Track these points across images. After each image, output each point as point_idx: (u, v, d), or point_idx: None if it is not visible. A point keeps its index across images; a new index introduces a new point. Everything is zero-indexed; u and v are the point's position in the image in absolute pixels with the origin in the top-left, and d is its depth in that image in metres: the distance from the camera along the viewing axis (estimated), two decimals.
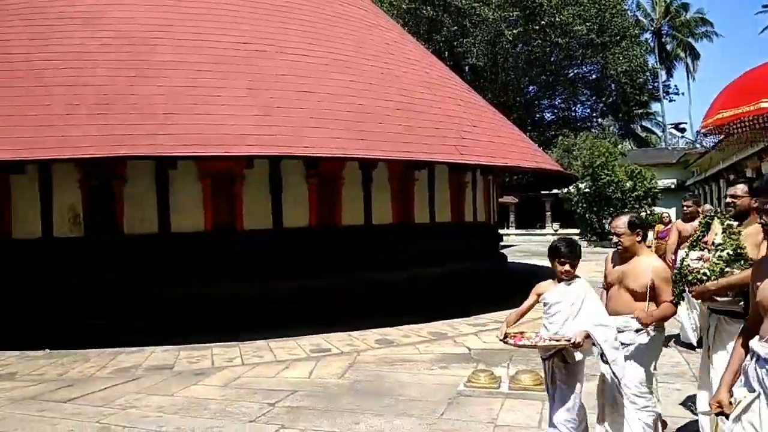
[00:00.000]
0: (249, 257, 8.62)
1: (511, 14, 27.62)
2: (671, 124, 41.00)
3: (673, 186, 31.90)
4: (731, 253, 3.27)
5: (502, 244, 15.99)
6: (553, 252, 3.45)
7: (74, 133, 7.20)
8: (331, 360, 6.61)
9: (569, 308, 3.35)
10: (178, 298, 8.08)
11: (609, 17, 29.74)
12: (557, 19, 27.48)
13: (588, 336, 3.25)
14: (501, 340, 3.46)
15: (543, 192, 30.39)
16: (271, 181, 9.08)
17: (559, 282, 3.48)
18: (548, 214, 32.90)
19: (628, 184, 26.57)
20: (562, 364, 3.44)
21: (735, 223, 3.46)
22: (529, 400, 4.92)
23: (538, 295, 3.52)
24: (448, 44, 30.05)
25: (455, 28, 28.45)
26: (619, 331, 3.48)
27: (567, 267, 3.43)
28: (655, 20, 46.73)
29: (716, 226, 3.49)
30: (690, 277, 3.36)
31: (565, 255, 3.42)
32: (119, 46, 8.45)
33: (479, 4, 27.12)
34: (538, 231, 32.25)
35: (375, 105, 9.06)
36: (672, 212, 19.70)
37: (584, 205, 27.56)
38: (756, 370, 2.14)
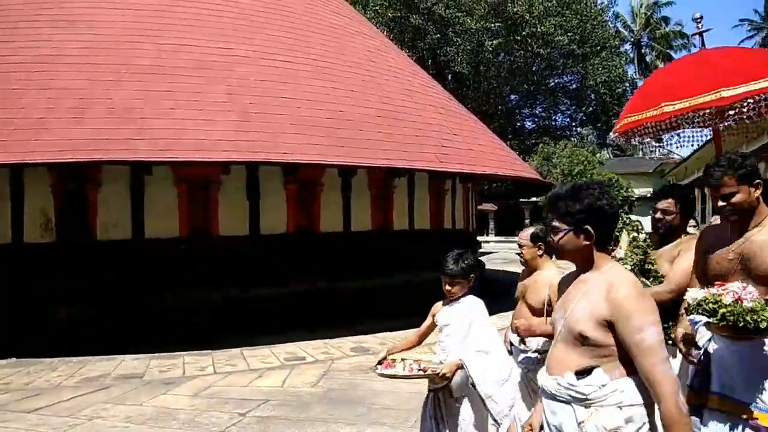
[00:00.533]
0: (225, 263, 8.54)
1: (493, 24, 27.84)
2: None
3: (649, 195, 32.35)
4: (630, 269, 2.97)
5: (481, 251, 16.07)
6: (440, 266, 3.03)
7: (48, 136, 7.08)
8: (306, 368, 6.56)
9: (457, 331, 3.01)
10: (150, 305, 7.98)
11: (590, 28, 30.14)
12: (539, 29, 27.76)
13: (461, 367, 2.87)
14: (372, 368, 3.11)
15: (522, 200, 30.67)
16: (248, 186, 9.01)
17: (446, 303, 3.12)
18: (527, 221, 33.17)
19: None
20: (450, 399, 3.02)
21: (642, 236, 3.18)
22: None
23: (434, 316, 3.16)
24: (432, 52, 30.19)
25: (438, 36, 28.61)
26: (522, 352, 3.26)
27: (447, 286, 3.02)
28: (635, 32, 47.53)
29: (623, 239, 3.24)
30: None
31: (446, 271, 3.00)
32: (98, 50, 8.34)
33: (462, 14, 27.31)
34: (516, 238, 32.49)
35: (355, 112, 9.06)
36: (647, 221, 19.98)
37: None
38: (543, 402, 1.97)
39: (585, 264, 1.94)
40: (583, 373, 1.83)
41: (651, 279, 2.99)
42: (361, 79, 9.99)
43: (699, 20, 4.04)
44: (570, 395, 1.84)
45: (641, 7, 47.33)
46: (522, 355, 3.31)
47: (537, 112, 36.26)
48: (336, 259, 9.31)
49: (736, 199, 2.33)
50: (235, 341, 7.63)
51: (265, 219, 9.12)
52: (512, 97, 34.57)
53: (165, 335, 7.58)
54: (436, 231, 11.53)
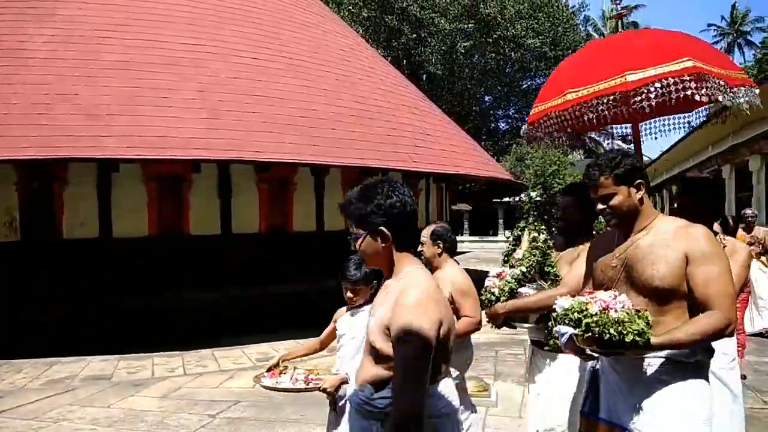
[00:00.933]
0: (196, 263, 8.43)
1: (466, 26, 28.04)
2: (618, 136, 42.35)
3: None
4: (525, 270, 2.84)
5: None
6: (340, 272, 2.90)
7: (12, 133, 6.89)
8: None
9: (351, 342, 2.85)
10: (119, 306, 7.83)
11: (562, 31, 30.58)
12: (510, 32, 28.06)
13: (346, 382, 2.70)
14: (255, 377, 2.95)
15: (496, 200, 30.95)
16: (220, 185, 8.93)
17: (349, 309, 2.97)
18: (501, 221, 33.49)
19: None
20: (332, 412, 2.86)
21: (542, 237, 2.97)
22: None
23: (336, 322, 3.03)
24: (407, 52, 30.29)
25: (414, 36, 28.70)
26: None
27: (349, 294, 2.89)
28: (605, 35, 48.35)
29: (525, 240, 3.02)
30: (483, 297, 2.91)
31: (348, 278, 2.87)
32: (64, 45, 8.16)
33: (436, 15, 27.44)
34: (491, 238, 32.78)
35: (329, 111, 9.03)
36: None
37: (535, 213, 28.19)
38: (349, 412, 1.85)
39: (389, 269, 1.83)
40: (380, 384, 1.73)
41: (549, 282, 2.83)
42: (334, 78, 9.97)
43: (618, 1, 3.69)
44: (367, 409, 1.75)
45: (612, 11, 48.14)
46: None
47: (510, 113, 36.63)
48: (309, 259, 9.27)
49: (614, 201, 2.12)
50: (206, 342, 7.53)
51: (237, 218, 9.04)
52: (486, 98, 34.88)
53: (133, 336, 7.45)
54: None
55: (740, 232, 7.07)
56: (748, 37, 46.85)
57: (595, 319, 1.89)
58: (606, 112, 2.94)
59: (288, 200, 9.57)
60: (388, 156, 9.01)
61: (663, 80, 2.82)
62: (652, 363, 2.04)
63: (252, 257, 8.79)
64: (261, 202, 9.29)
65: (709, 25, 48.11)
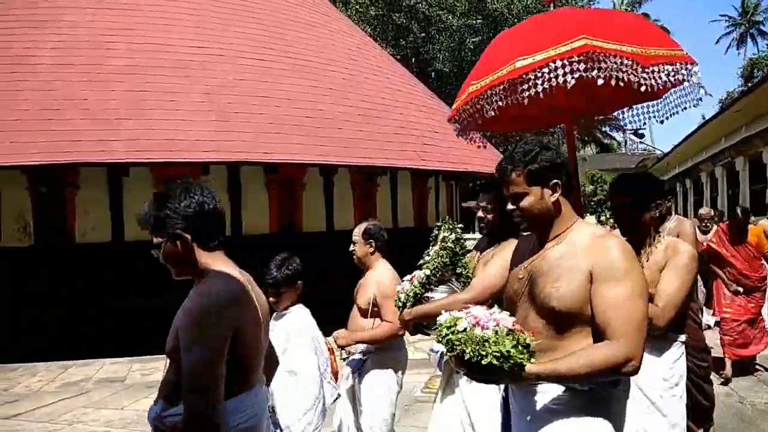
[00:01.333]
0: None
1: (474, 22, 27.96)
2: (630, 130, 42.03)
3: None
4: (429, 274, 2.62)
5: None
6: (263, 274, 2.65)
7: (21, 139, 6.97)
8: None
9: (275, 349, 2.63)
10: (131, 309, 7.89)
11: None
12: None
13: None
14: None
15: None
16: (229, 187, 8.96)
17: (275, 314, 2.75)
18: None
19: (589, 188, 27.24)
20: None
21: (452, 236, 2.74)
22: None
23: None
24: (415, 50, 30.26)
25: (423, 34, 28.68)
26: (345, 358, 3.09)
27: (271, 297, 2.67)
28: None
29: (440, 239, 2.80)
30: (396, 303, 2.74)
31: (268, 281, 2.73)
32: (71, 50, 8.23)
33: (444, 12, 27.39)
34: None
35: (336, 110, 9.04)
36: None
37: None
38: None
39: (196, 272, 1.75)
40: (174, 398, 1.59)
41: (461, 285, 2.63)
42: (341, 78, 9.98)
43: None
44: (157, 426, 1.62)
45: (622, 4, 47.81)
46: (349, 358, 3.17)
47: None
48: (320, 259, 9.27)
49: (524, 203, 1.81)
50: None
51: (247, 219, 9.07)
52: None
53: (147, 338, 7.48)
54: (419, 228, 11.55)
55: (767, 222, 6.90)
56: (761, 27, 46.28)
57: (459, 336, 1.63)
58: (499, 103, 2.64)
59: (297, 200, 9.59)
60: (395, 154, 9.01)
61: (551, 63, 2.46)
62: (549, 391, 1.73)
63: (261, 258, 8.80)
64: (271, 203, 9.31)
65: (722, 15, 47.54)
